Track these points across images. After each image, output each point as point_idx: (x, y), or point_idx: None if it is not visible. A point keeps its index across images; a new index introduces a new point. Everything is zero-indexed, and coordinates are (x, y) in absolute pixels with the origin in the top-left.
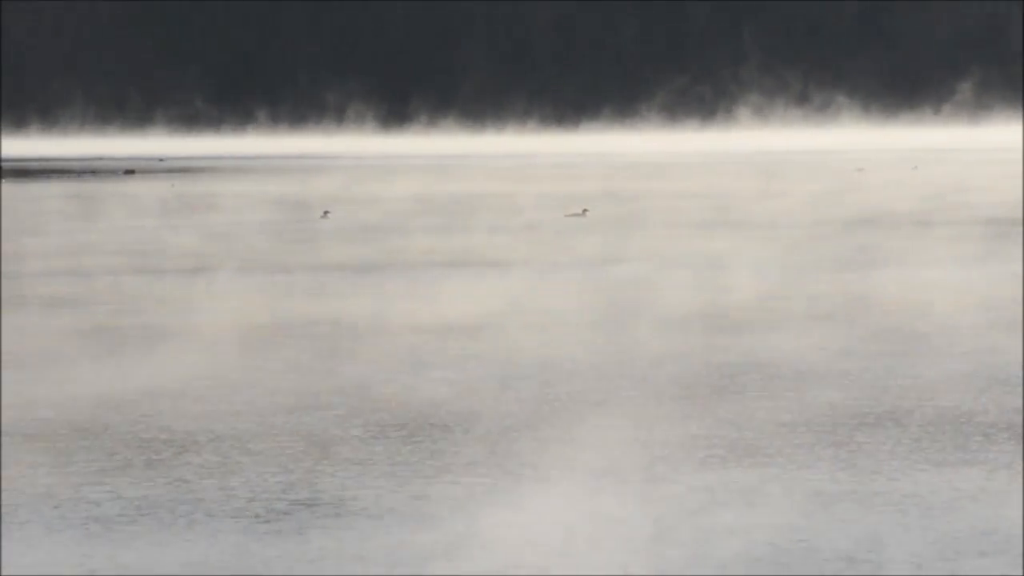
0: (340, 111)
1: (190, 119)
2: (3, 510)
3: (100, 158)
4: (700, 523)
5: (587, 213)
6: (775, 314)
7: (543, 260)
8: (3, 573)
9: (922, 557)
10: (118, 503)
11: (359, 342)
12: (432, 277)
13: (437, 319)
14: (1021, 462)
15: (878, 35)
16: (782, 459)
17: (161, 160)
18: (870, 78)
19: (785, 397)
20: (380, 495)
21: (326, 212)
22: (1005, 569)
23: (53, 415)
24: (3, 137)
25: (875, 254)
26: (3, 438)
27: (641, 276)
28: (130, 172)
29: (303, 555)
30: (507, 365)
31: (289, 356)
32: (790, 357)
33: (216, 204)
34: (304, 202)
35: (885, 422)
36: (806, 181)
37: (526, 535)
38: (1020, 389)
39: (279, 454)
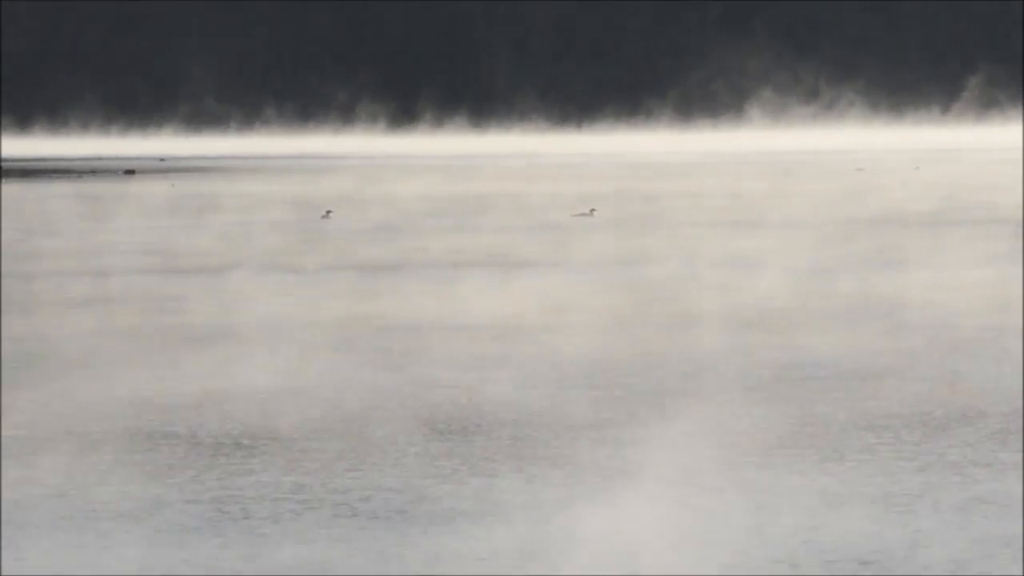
0: (348, 110)
1: (198, 118)
2: (79, 514)
3: (100, 158)
4: (780, 524)
5: (594, 213)
6: (817, 314)
7: (567, 260)
8: (3, 573)
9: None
10: (192, 505)
11: (411, 342)
12: (458, 277)
13: (479, 319)
14: (1022, 462)
15: (887, 31)
16: (858, 460)
17: (161, 160)
18: (879, 74)
19: (850, 397)
20: (456, 495)
21: (328, 212)
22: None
23: (116, 418)
24: (8, 137)
25: (899, 254)
26: (72, 442)
27: (671, 276)
28: (130, 172)
29: (384, 555)
30: (562, 365)
31: (344, 356)
32: (842, 356)
33: (222, 204)
34: (314, 202)
35: (953, 423)
36: (815, 181)
37: (619, 535)
38: None
39: (352, 454)
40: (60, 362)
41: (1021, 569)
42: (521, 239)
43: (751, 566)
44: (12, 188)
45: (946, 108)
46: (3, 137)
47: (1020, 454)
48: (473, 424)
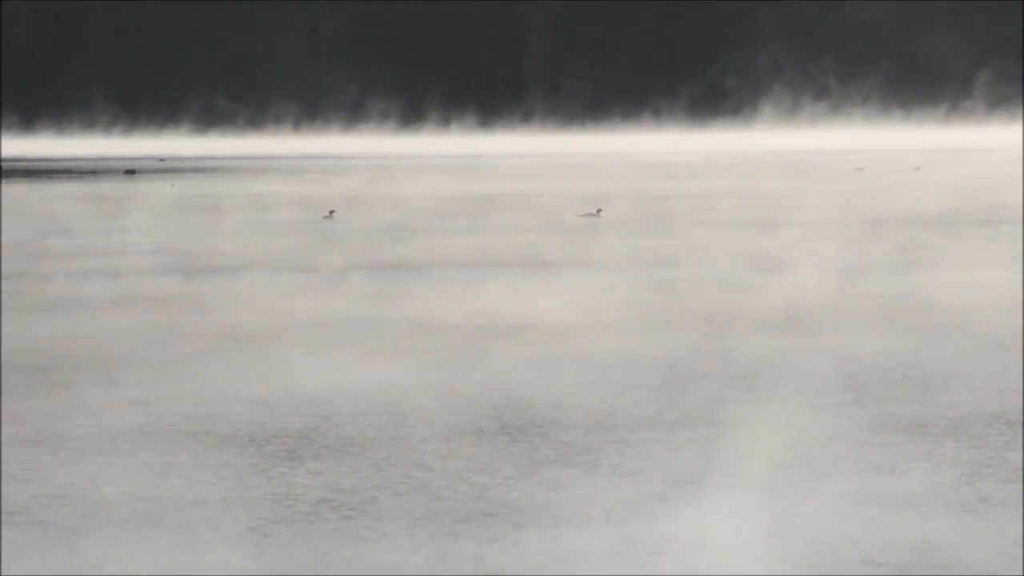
0: (356, 109)
1: (207, 117)
2: (182, 513)
3: (100, 158)
4: (850, 524)
5: (601, 213)
6: (855, 314)
7: (588, 260)
8: (3, 573)
9: None
10: (259, 505)
11: (456, 342)
12: (482, 277)
13: (518, 319)
14: (1022, 458)
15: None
16: (926, 461)
17: (161, 160)
18: (888, 72)
19: (909, 398)
20: (524, 498)
21: (332, 212)
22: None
23: (214, 418)
24: (11, 137)
25: (923, 254)
26: (182, 442)
27: (698, 276)
28: (131, 172)
29: (480, 556)
30: (614, 366)
31: (394, 357)
32: (892, 357)
33: (227, 204)
34: (321, 202)
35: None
36: (822, 180)
37: (688, 537)
38: None
39: (412, 455)
40: (109, 363)
41: (1021, 569)
42: (536, 239)
43: (821, 567)
44: (16, 188)
45: (954, 107)
46: (8, 137)
47: None
48: (535, 425)
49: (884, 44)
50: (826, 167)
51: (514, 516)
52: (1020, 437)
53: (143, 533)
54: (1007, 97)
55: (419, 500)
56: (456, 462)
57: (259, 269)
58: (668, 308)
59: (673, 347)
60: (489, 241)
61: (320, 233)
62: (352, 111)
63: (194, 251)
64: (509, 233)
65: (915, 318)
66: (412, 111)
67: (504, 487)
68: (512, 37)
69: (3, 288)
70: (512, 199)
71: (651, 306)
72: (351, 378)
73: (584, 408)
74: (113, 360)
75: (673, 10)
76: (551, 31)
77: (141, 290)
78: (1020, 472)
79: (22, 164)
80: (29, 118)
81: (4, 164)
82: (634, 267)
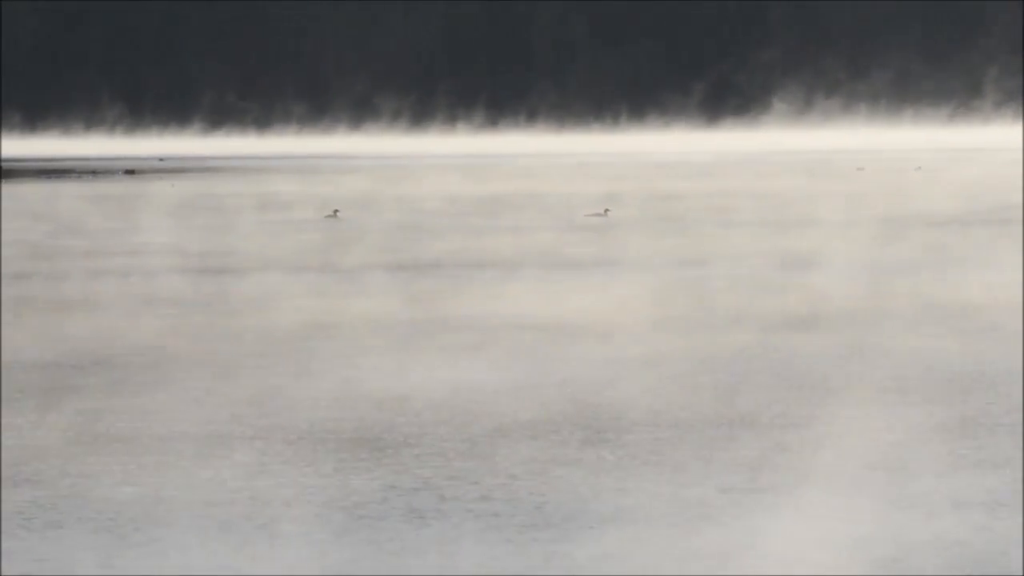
0: (362, 110)
1: (218, 116)
2: (251, 513)
3: (100, 158)
4: (935, 525)
5: (608, 213)
6: (898, 314)
7: (613, 259)
8: (3, 573)
9: None
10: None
11: (517, 342)
12: (512, 277)
13: (563, 319)
14: (1022, 454)
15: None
16: (1009, 462)
17: (161, 160)
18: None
19: (975, 398)
20: (606, 497)
21: (335, 211)
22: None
23: (280, 418)
24: (14, 137)
25: (950, 253)
26: (248, 442)
27: (729, 276)
28: (130, 172)
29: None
30: (671, 364)
31: (450, 355)
32: (949, 357)
33: (234, 205)
34: (331, 201)
35: None
36: (830, 180)
37: (767, 537)
38: None
39: (507, 454)
40: (156, 364)
41: (1021, 569)
42: (554, 239)
43: (906, 567)
44: (19, 189)
45: (963, 104)
46: (11, 137)
47: None
48: (607, 424)
49: (895, 40)
50: (828, 166)
51: (585, 516)
52: None
53: (214, 534)
54: (1014, 94)
55: (490, 500)
56: (525, 462)
57: (278, 269)
58: (706, 308)
59: (723, 347)
60: (507, 241)
61: (332, 232)
62: (359, 111)
63: (207, 251)
64: (526, 233)
65: (966, 319)
66: (420, 111)
67: (575, 486)
68: (518, 35)
69: (24, 289)
70: (523, 199)
71: (688, 306)
72: (412, 378)
73: (649, 407)
74: (161, 361)
75: (682, 8)
76: (558, 28)
77: (164, 290)
78: None
79: (21, 164)
80: (32, 118)
81: (4, 164)
82: (658, 267)
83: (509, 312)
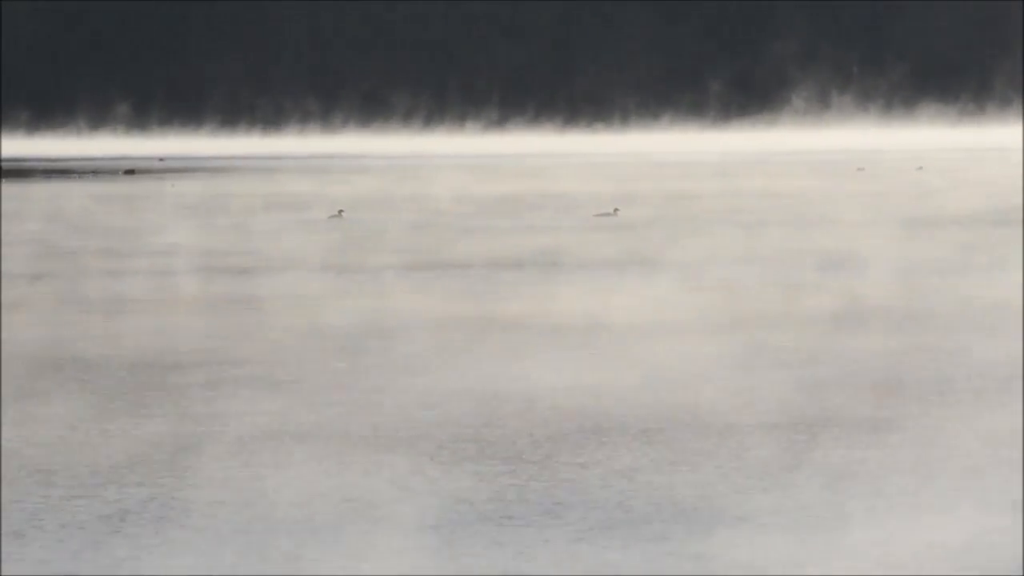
0: (372, 110)
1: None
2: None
3: (101, 158)
4: None
5: (617, 212)
6: (951, 315)
7: (642, 259)
8: (3, 573)
9: None
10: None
11: (588, 341)
12: (550, 277)
13: (618, 319)
14: (1022, 461)
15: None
16: None
17: (161, 160)
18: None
19: None
20: (714, 500)
21: (340, 211)
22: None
23: (369, 418)
24: (15, 138)
25: (986, 253)
26: (342, 444)
27: (765, 276)
28: (130, 172)
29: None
30: (743, 366)
31: (537, 357)
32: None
33: (240, 205)
34: (345, 200)
35: None
36: (834, 179)
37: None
38: None
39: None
40: (214, 365)
41: (1021, 569)
42: (572, 239)
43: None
44: (21, 189)
45: (974, 100)
46: (13, 138)
47: None
48: (711, 423)
49: (909, 35)
50: (827, 167)
51: (697, 517)
52: None
53: (322, 535)
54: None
55: (600, 502)
56: (644, 461)
57: (302, 269)
58: (760, 307)
59: (790, 346)
60: (527, 240)
61: (347, 232)
62: (368, 111)
63: (222, 251)
64: (544, 233)
65: (1011, 317)
66: (430, 111)
67: (695, 486)
68: (522, 35)
69: (51, 288)
70: (533, 199)
71: (741, 305)
72: (505, 376)
73: (748, 407)
74: (241, 361)
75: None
76: (565, 26)
77: (193, 290)
78: None
79: (20, 164)
80: (36, 118)
81: (5, 164)
82: (694, 266)
83: (565, 311)
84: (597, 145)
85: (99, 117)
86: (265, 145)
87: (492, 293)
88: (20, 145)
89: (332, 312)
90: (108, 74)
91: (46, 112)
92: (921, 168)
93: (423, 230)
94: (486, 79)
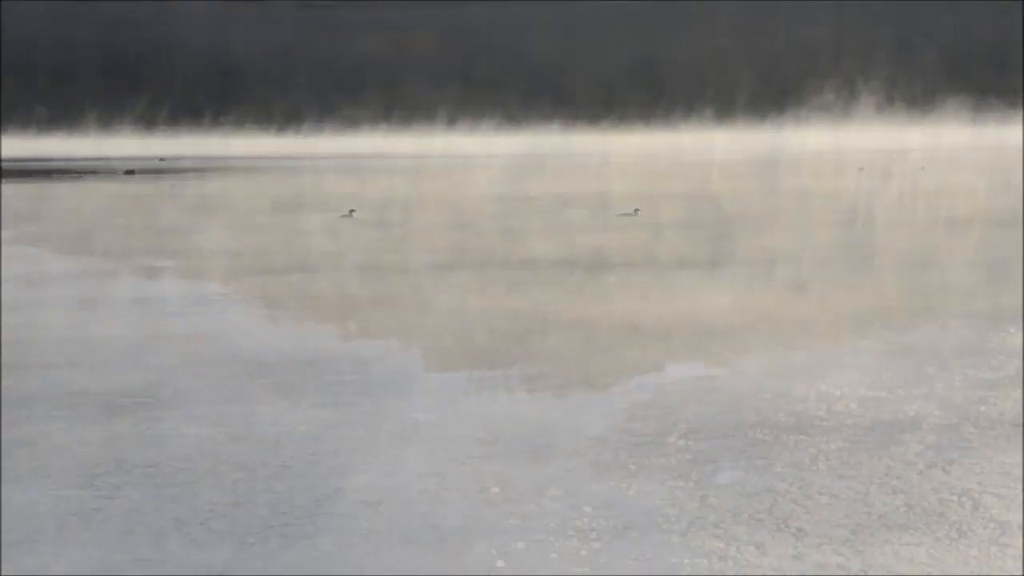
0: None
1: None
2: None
3: (99, 158)
4: None
5: (638, 212)
6: None
7: (699, 259)
8: (3, 573)
9: None
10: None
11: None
12: (622, 277)
13: (720, 320)
14: (1022, 461)
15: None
16: None
17: (161, 160)
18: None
19: None
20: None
21: (352, 211)
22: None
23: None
24: (16, 138)
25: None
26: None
27: (825, 275)
28: (130, 172)
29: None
30: (890, 360)
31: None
32: None
33: (249, 205)
34: (358, 201)
35: None
36: (840, 180)
37: None
38: None
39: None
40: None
41: (1021, 569)
42: (610, 238)
43: None
44: (25, 189)
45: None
46: (25, 137)
47: None
48: (884, 428)
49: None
50: (828, 167)
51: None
52: None
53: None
54: None
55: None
56: (841, 463)
57: (350, 269)
58: (838, 307)
59: (905, 345)
60: (572, 240)
61: (381, 232)
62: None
63: (263, 251)
64: (584, 233)
65: None
66: (438, 111)
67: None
68: (530, 33)
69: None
70: (555, 199)
71: (832, 303)
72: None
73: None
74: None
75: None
76: (570, 26)
77: (271, 291)
78: None
79: (19, 165)
80: (40, 118)
81: (5, 164)
82: (753, 265)
83: (665, 313)
84: (603, 143)
85: (104, 117)
86: (273, 145)
87: (582, 294)
88: (25, 146)
89: (457, 307)
90: (110, 74)
91: (48, 113)
92: (923, 168)
93: (457, 230)
94: (497, 79)
